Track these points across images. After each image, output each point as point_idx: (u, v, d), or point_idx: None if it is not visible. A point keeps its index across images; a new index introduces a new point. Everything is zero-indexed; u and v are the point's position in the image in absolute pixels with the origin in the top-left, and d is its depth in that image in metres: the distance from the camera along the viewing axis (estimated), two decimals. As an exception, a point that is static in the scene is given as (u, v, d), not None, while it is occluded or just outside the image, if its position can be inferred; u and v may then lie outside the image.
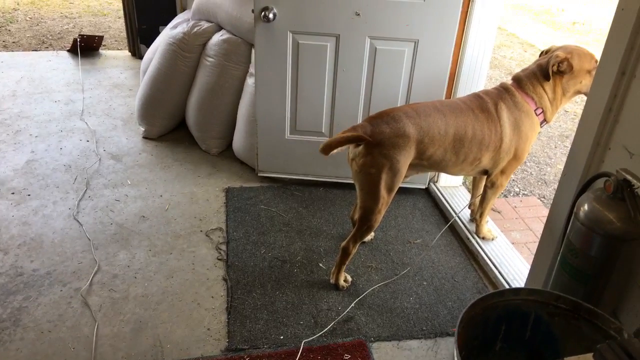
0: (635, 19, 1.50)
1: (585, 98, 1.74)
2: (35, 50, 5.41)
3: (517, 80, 2.37)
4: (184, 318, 2.17)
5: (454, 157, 2.27)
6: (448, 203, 2.94)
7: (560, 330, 1.51)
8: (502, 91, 2.35)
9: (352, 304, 2.27)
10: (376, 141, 2.10)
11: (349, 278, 2.40)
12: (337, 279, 2.36)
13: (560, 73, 2.28)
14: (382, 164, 2.12)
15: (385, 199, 2.18)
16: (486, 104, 2.30)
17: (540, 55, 2.47)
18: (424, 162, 2.25)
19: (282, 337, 2.09)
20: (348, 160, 2.25)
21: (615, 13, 1.59)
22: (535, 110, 2.33)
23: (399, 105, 2.79)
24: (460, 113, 2.25)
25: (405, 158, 2.15)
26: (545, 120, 2.37)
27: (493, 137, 2.29)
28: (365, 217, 2.22)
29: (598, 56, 1.69)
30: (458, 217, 2.81)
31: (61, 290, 2.28)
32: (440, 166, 2.32)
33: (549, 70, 2.26)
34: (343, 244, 2.29)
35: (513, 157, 2.37)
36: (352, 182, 3.02)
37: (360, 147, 2.14)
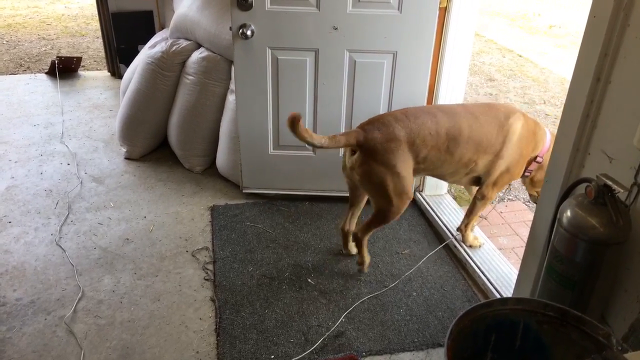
0: (607, 26, 1.52)
1: (564, 102, 1.77)
2: (13, 74, 5.35)
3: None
4: (172, 342, 2.14)
5: (450, 157, 2.31)
6: (434, 211, 2.95)
7: (550, 338, 1.51)
8: (530, 117, 2.48)
9: (342, 319, 2.25)
10: (370, 148, 2.16)
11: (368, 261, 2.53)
12: (362, 257, 2.50)
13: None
14: (381, 172, 2.18)
15: (397, 202, 2.25)
16: (496, 111, 2.38)
17: None
18: (421, 165, 2.29)
19: (272, 357, 2.07)
20: (344, 169, 2.32)
21: (588, 20, 1.61)
22: (537, 157, 2.48)
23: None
24: (455, 115, 2.32)
25: (403, 161, 2.20)
26: (529, 172, 2.53)
27: (493, 141, 2.34)
28: (381, 215, 2.32)
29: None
30: (446, 226, 2.82)
31: (45, 319, 2.23)
32: (437, 167, 2.36)
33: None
34: (357, 232, 2.41)
35: (506, 170, 2.42)
36: (337, 194, 3.04)
37: (356, 156, 2.21)
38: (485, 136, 2.33)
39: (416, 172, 2.33)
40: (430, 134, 2.23)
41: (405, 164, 2.21)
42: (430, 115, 2.28)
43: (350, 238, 2.59)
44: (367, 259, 2.50)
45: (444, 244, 2.74)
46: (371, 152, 2.17)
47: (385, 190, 2.22)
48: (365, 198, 2.52)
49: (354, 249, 2.62)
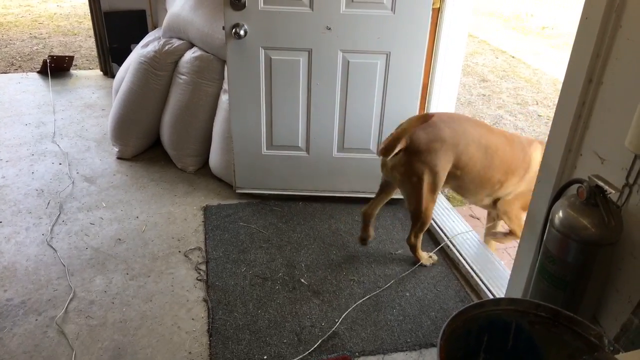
0: (599, 27, 1.53)
1: (556, 102, 1.77)
2: (5, 73, 5.31)
3: None
4: (165, 342, 2.13)
5: (483, 171, 2.33)
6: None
7: (542, 339, 1.51)
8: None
9: (336, 319, 2.25)
10: (414, 149, 2.21)
11: (434, 256, 2.61)
12: (419, 259, 2.58)
13: None
14: (421, 171, 2.23)
15: (429, 199, 2.30)
16: (518, 138, 2.44)
17: None
18: (457, 171, 2.31)
19: (265, 357, 2.06)
20: (384, 167, 2.36)
21: (580, 21, 1.61)
22: None
23: (374, 116, 2.80)
24: (492, 132, 2.38)
25: (444, 161, 2.24)
26: None
27: (519, 164, 2.37)
28: (416, 217, 2.39)
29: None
30: (439, 227, 2.82)
31: (36, 320, 2.21)
32: (469, 180, 2.36)
33: None
34: (408, 240, 2.50)
35: (528, 190, 2.43)
36: (330, 194, 3.04)
37: (400, 156, 2.25)
38: (514, 159, 2.37)
39: (448, 177, 2.33)
40: (473, 140, 2.28)
41: (444, 165, 2.26)
42: (472, 124, 2.35)
43: (372, 221, 2.62)
44: (423, 257, 2.58)
45: (439, 247, 2.74)
46: (415, 152, 2.22)
47: (420, 188, 2.27)
48: (394, 191, 2.54)
49: (372, 232, 2.66)
